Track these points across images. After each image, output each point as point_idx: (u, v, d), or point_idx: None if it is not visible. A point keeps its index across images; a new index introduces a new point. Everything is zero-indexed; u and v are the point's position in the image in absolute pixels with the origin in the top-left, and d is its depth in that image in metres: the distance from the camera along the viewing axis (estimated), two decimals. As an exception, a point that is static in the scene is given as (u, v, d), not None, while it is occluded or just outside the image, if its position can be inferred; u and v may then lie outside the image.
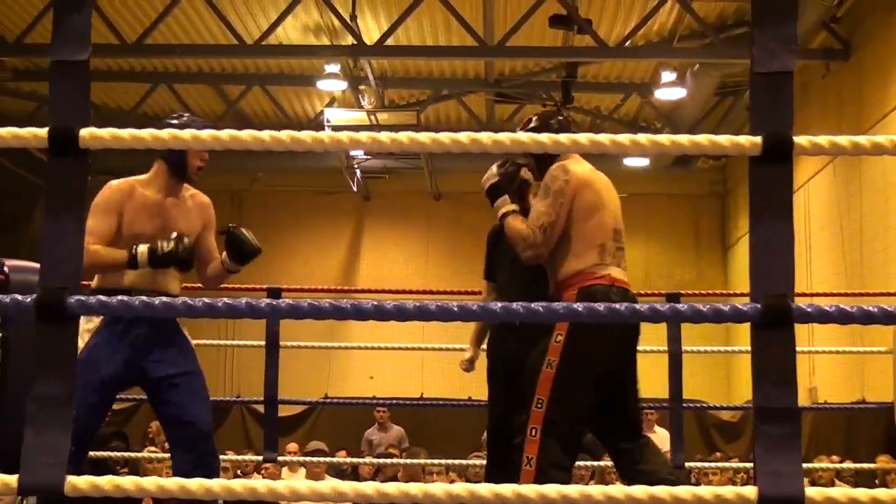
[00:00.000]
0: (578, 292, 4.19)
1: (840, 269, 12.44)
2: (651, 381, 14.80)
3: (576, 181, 4.29)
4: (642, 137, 2.19)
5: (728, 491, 2.18)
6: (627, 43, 12.67)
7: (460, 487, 2.21)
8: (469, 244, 16.54)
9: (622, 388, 4.36)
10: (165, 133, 2.28)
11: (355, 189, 16.86)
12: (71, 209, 2.29)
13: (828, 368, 11.39)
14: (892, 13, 11.40)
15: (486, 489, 2.19)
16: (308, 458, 8.23)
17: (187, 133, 2.31)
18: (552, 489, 2.14)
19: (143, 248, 4.14)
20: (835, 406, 8.60)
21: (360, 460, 8.45)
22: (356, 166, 16.16)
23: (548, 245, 4.27)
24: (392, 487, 2.21)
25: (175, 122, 4.38)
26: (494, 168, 4.52)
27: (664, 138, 2.17)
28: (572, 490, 2.17)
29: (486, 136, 2.22)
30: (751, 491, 2.14)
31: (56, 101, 2.29)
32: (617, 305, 2.14)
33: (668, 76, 13.42)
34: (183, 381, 4.27)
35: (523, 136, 2.22)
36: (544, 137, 2.23)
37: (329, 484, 2.21)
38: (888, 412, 8.23)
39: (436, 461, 7.27)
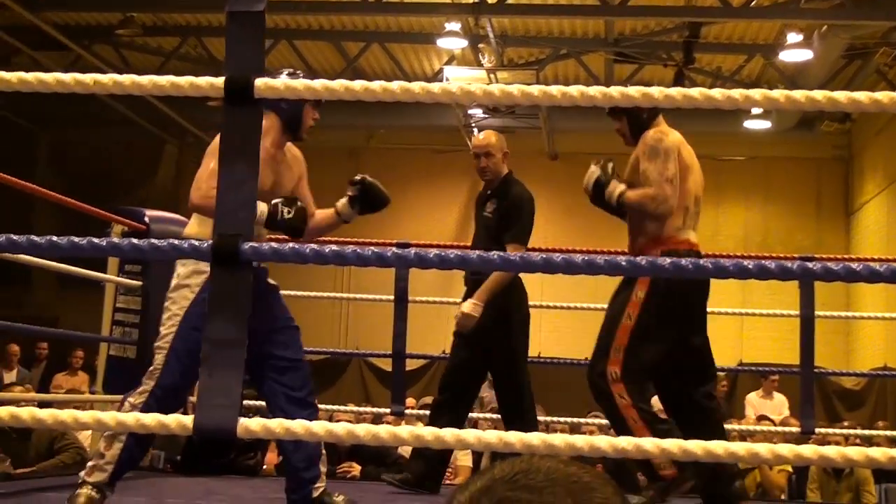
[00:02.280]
0: (662, 254, 4.44)
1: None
2: (763, 346, 14.67)
3: (676, 142, 4.58)
4: (798, 94, 2.15)
5: (880, 452, 2.16)
6: (753, 3, 12.40)
7: (580, 439, 2.23)
8: (585, 203, 16.44)
9: (693, 349, 4.66)
10: (337, 84, 2.31)
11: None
12: (245, 158, 2.34)
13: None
14: None
15: (604, 441, 2.20)
16: (427, 412, 8.30)
17: (338, 84, 2.33)
18: (674, 443, 2.14)
19: (262, 208, 4.13)
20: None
21: (479, 415, 8.49)
22: (474, 125, 16.14)
23: (675, 196, 4.51)
24: (513, 437, 2.22)
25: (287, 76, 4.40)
26: (592, 166, 4.73)
27: (821, 94, 2.13)
28: (694, 445, 2.16)
29: (595, 90, 2.21)
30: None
31: (232, 50, 2.34)
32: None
33: (793, 37, 13.10)
34: (288, 329, 4.35)
35: (633, 90, 2.21)
36: (655, 91, 2.21)
37: (473, 433, 2.24)
38: None
39: (555, 418, 7.28)
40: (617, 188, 4.58)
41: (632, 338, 4.46)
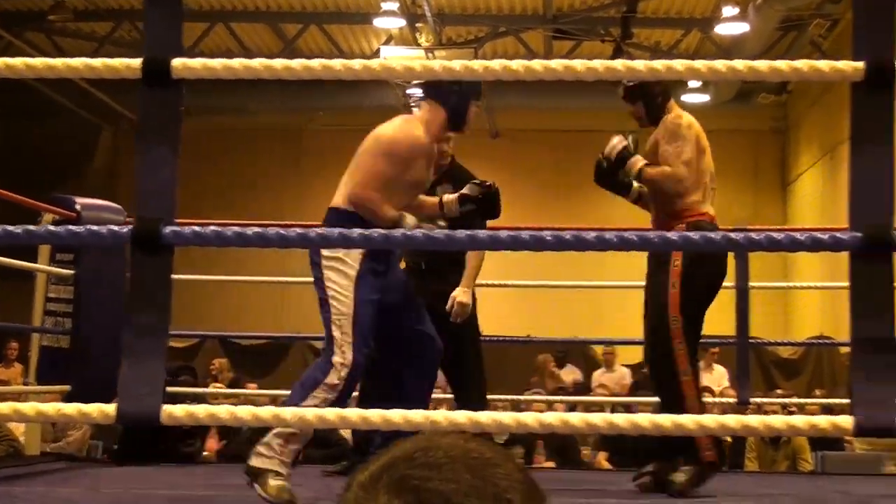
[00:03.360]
0: (687, 225, 4.70)
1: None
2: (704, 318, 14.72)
3: (694, 127, 4.83)
4: (739, 64, 2.15)
5: (823, 420, 2.17)
6: (688, -23, 12.46)
7: (553, 417, 2.22)
8: (527, 181, 16.49)
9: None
10: (257, 63, 2.27)
11: (412, 127, 16.81)
12: (164, 141, 2.29)
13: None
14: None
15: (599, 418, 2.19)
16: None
17: (258, 63, 2.29)
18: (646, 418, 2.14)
19: (411, 222, 4.16)
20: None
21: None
22: (413, 104, 16.10)
23: (690, 176, 4.76)
24: (462, 416, 2.21)
25: None
26: (616, 137, 4.90)
27: (762, 64, 2.13)
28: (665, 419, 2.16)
29: (538, 64, 2.19)
30: (847, 420, 2.12)
31: (150, 31, 2.29)
32: (713, 234, 2.12)
33: (729, 10, 13.18)
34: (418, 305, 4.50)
35: (577, 63, 2.20)
36: (598, 64, 2.20)
37: (444, 414, 2.22)
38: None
39: (498, 396, 7.30)
40: (638, 161, 4.80)
41: (682, 306, 4.65)
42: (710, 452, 4.59)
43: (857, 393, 2.12)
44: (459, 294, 5.19)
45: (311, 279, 4.21)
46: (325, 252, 4.14)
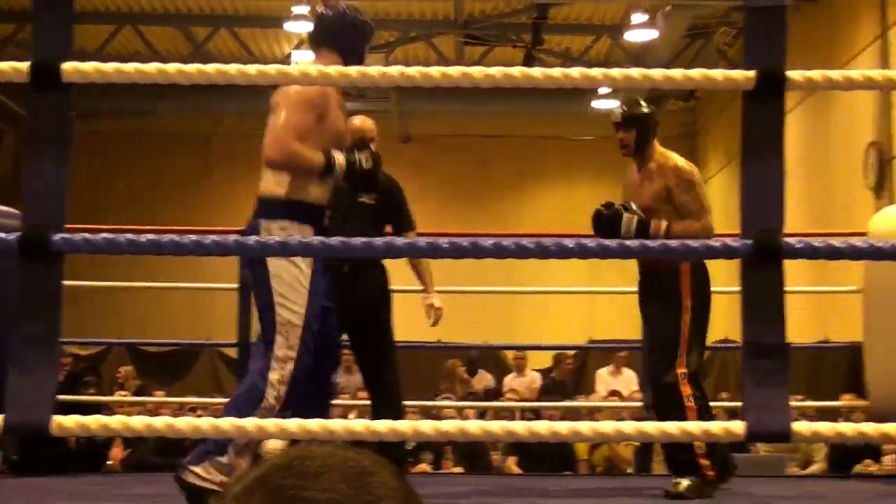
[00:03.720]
0: (693, 265, 4.74)
1: (805, 210, 12.52)
2: (613, 323, 14.97)
3: (696, 171, 4.94)
4: (635, 71, 2.17)
5: (716, 426, 2.20)
6: (598, -16, 12.59)
7: (450, 424, 2.21)
8: (438, 187, 16.51)
9: None
10: (152, 67, 2.23)
11: (324, 132, 16.73)
12: (54, 146, 2.25)
13: (790, 309, 11.45)
14: (863, -46, 11.40)
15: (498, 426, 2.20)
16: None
17: (152, 67, 2.26)
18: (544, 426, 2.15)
19: (340, 159, 3.97)
20: (800, 346, 8.67)
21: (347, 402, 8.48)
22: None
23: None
24: (382, 425, 2.20)
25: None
26: (626, 214, 4.80)
27: (657, 72, 2.16)
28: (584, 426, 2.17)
29: (454, 70, 2.19)
30: (738, 426, 2.15)
31: (39, 34, 2.25)
32: (609, 242, 2.13)
33: (638, 17, 13.35)
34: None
35: (495, 70, 2.20)
36: (515, 71, 2.20)
37: (339, 423, 2.20)
38: (851, 352, 8.31)
39: (408, 402, 7.27)
40: (661, 225, 4.72)
41: (691, 335, 4.70)
42: (711, 472, 4.70)
43: (747, 398, 2.15)
44: (435, 300, 5.22)
45: (224, 285, 4.09)
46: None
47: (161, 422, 2.22)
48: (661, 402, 4.80)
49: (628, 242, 2.14)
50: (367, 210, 5.15)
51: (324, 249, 2.21)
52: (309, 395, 4.02)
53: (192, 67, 2.24)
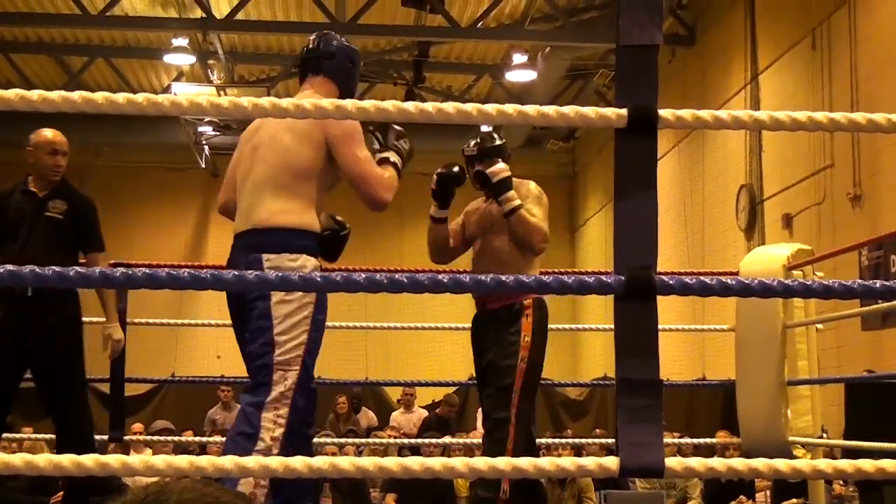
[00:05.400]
0: (536, 303, 4.70)
1: (682, 251, 12.78)
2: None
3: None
4: (510, 108, 2.17)
5: (590, 461, 2.20)
6: (479, 24, 12.72)
7: (321, 461, 2.17)
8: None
9: None
10: (12, 93, 2.15)
11: (203, 166, 16.55)
12: None
13: (669, 347, 11.70)
14: (735, 0, 11.73)
15: (346, 461, 2.16)
16: (154, 438, 8.06)
17: (12, 93, 2.17)
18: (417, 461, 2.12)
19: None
20: (677, 384, 8.83)
21: (207, 439, 8.31)
22: (204, 142, 15.84)
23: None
24: (251, 462, 2.15)
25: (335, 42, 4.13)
26: (503, 164, 4.69)
27: (532, 109, 2.16)
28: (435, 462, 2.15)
29: (328, 103, 2.16)
30: (612, 461, 2.15)
31: None
32: (485, 277, 2.13)
33: (519, 58, 13.54)
34: None
35: (368, 103, 2.18)
36: (389, 105, 2.19)
37: (187, 459, 2.14)
38: (726, 390, 8.47)
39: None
40: (515, 200, 4.64)
41: (526, 376, 4.64)
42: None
43: (621, 434, 2.15)
44: (115, 331, 5.08)
45: (93, 319, 3.93)
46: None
47: (20, 458, 2.13)
48: (495, 437, 4.65)
49: (503, 277, 2.13)
50: (54, 224, 5.02)
51: (330, 285, 2.14)
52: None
53: (57, 94, 2.16)
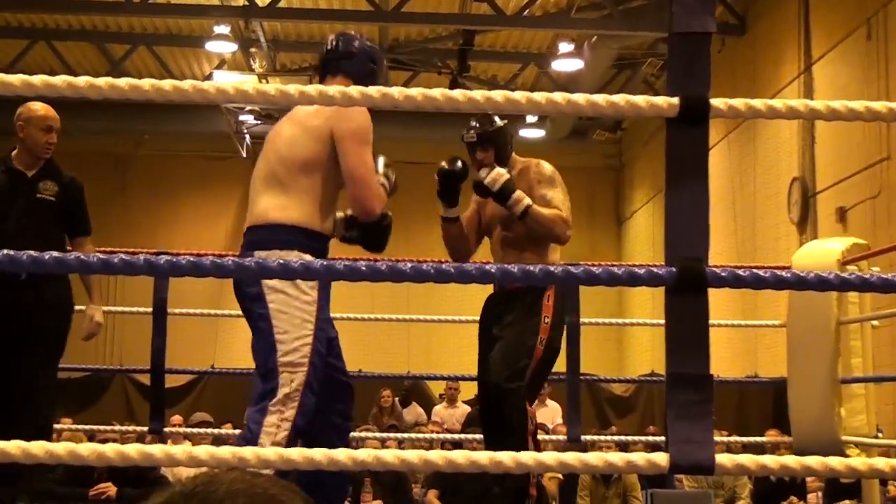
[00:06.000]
0: (557, 289, 4.59)
1: (732, 245, 12.70)
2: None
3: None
4: (559, 96, 2.17)
5: (639, 457, 2.20)
6: (525, 12, 12.69)
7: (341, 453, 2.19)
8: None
9: None
10: (60, 80, 2.18)
11: (245, 155, 16.65)
12: None
13: (719, 343, 11.62)
14: (789, -12, 11.63)
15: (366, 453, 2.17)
16: (193, 430, 8.12)
17: (61, 80, 2.20)
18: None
19: (337, 215, 3.84)
20: (727, 380, 8.77)
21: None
22: (245, 131, 15.93)
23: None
24: (295, 453, 2.17)
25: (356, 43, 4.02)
26: (498, 170, 4.52)
27: (581, 97, 2.16)
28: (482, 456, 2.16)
29: (375, 91, 2.16)
30: (662, 457, 2.15)
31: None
32: (532, 268, 2.13)
33: (565, 47, 13.48)
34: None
35: (414, 91, 2.18)
36: (437, 93, 2.19)
37: (229, 450, 2.16)
38: (777, 387, 8.41)
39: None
40: (524, 199, 4.47)
41: (541, 362, 4.53)
42: (533, 490, 4.59)
43: (671, 430, 2.15)
44: (97, 312, 4.99)
45: (138, 310, 3.87)
46: (262, 285, 3.59)
47: (63, 448, 2.16)
48: (502, 412, 4.50)
49: (551, 268, 2.13)
50: (46, 207, 4.90)
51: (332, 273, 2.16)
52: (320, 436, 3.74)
53: (103, 81, 2.19)
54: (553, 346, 4.59)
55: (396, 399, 11.31)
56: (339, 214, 3.98)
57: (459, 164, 4.57)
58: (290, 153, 3.74)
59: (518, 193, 4.47)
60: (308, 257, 3.57)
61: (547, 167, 4.67)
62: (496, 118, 4.66)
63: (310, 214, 3.70)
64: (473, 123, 4.64)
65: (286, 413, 3.55)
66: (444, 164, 4.58)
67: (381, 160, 4.00)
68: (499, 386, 4.48)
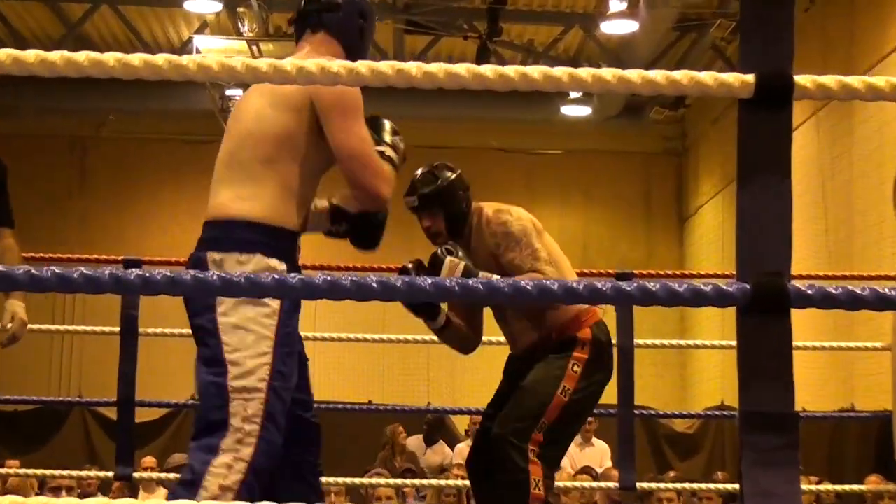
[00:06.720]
0: (594, 326, 4.72)
1: (822, 249, 12.60)
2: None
3: (514, 210, 4.73)
4: (608, 73, 2.15)
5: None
6: (569, -36, 12.68)
7: None
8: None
9: None
10: (56, 55, 2.15)
11: (230, 138, 16.66)
12: None
13: (806, 369, 11.51)
14: (891, -65, 11.55)
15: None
16: (170, 475, 8.10)
17: (3, 54, 2.18)
18: None
19: (321, 205, 3.88)
20: (817, 415, 8.69)
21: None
22: (232, 109, 15.96)
23: (557, 272, 4.67)
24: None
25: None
26: (449, 259, 4.56)
27: (634, 74, 2.14)
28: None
29: (387, 66, 2.14)
30: (736, 516, 2.13)
31: None
32: (574, 284, 2.11)
33: (616, 5, 13.42)
34: None
35: (435, 67, 2.16)
36: (461, 69, 2.17)
37: None
38: (880, 422, 8.35)
39: (331, 479, 7.13)
40: (490, 277, 4.46)
41: (563, 414, 4.62)
42: None
43: (747, 481, 2.13)
44: (20, 308, 5.01)
45: (101, 328, 3.88)
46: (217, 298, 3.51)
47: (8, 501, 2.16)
48: (495, 467, 4.60)
49: (598, 285, 2.12)
50: None
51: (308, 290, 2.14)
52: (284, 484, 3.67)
53: (57, 55, 2.16)
54: (581, 403, 4.67)
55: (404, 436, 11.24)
56: (323, 203, 3.93)
57: (410, 265, 4.63)
58: (259, 128, 3.67)
59: (482, 274, 4.50)
60: (274, 262, 3.55)
61: (498, 220, 4.67)
62: (444, 171, 4.72)
63: (278, 208, 3.63)
64: (414, 183, 4.70)
65: (241, 452, 3.41)
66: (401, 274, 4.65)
67: (387, 125, 3.97)
68: (499, 438, 4.59)
